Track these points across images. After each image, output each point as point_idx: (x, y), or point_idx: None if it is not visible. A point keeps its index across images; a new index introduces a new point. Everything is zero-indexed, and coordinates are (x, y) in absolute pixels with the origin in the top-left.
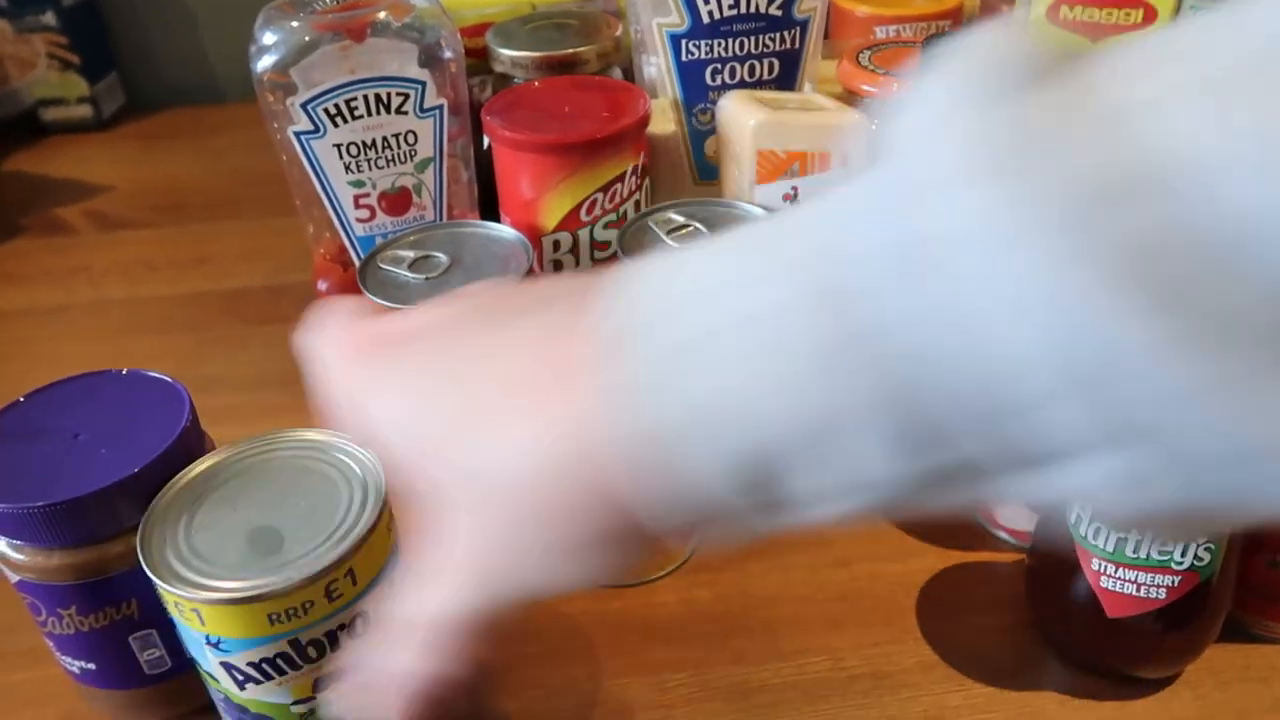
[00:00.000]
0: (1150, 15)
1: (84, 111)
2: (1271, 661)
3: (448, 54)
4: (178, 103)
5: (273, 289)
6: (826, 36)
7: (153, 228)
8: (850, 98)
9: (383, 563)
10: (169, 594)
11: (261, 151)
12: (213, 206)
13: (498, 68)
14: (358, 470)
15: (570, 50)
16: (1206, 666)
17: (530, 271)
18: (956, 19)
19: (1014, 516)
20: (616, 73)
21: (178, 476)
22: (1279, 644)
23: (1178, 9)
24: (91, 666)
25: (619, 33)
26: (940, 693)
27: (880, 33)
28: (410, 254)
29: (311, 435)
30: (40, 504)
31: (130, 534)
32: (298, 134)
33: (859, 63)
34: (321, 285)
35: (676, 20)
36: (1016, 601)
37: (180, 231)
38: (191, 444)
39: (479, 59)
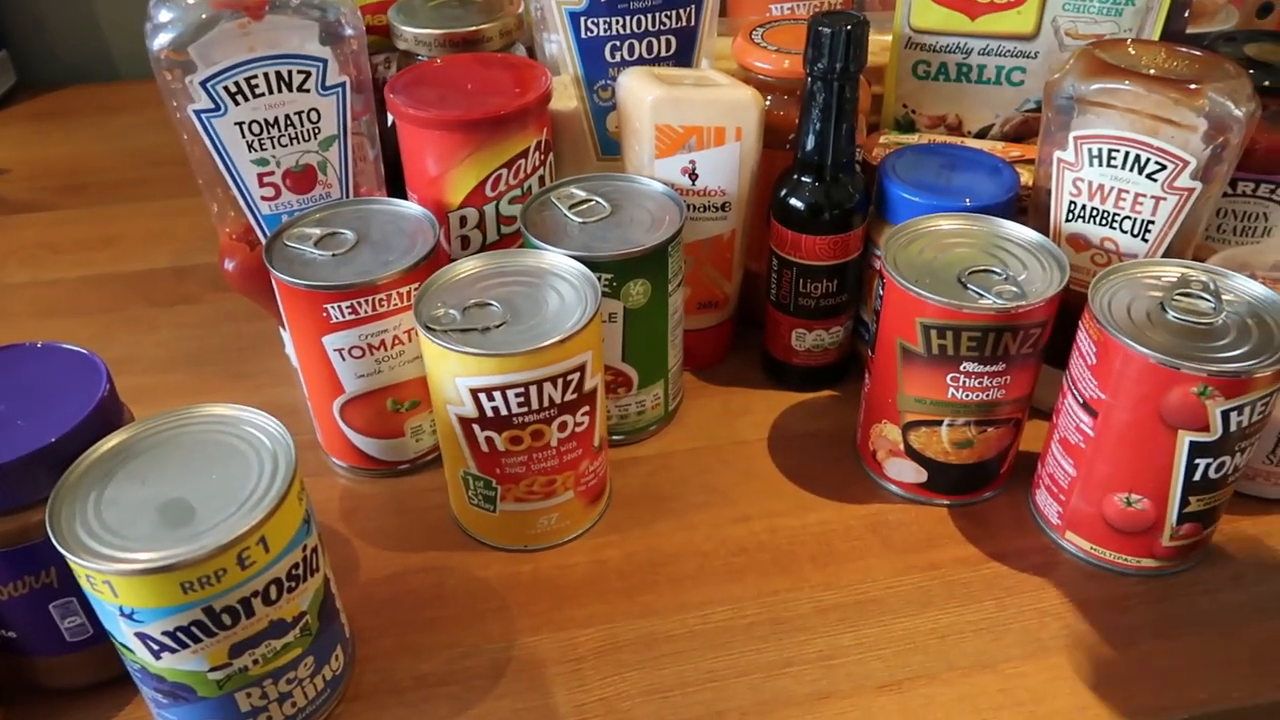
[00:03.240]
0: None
1: None
2: (1130, 589)
3: (349, 31)
4: (73, 80)
5: (179, 270)
6: (724, 13)
7: (53, 210)
8: (744, 73)
9: (295, 530)
10: (80, 567)
11: (162, 130)
12: (115, 187)
13: (401, 45)
14: (267, 443)
15: (473, 27)
16: (1071, 599)
17: (436, 247)
18: None
19: (901, 470)
20: (520, 49)
21: (87, 452)
22: (1134, 576)
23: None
24: (12, 635)
25: (521, 9)
26: (834, 634)
27: (776, 10)
28: (317, 231)
29: (221, 410)
30: None
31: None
32: (198, 113)
33: (752, 40)
34: (228, 264)
35: None
36: (905, 548)
37: (82, 213)
38: (110, 414)
39: (382, 36)
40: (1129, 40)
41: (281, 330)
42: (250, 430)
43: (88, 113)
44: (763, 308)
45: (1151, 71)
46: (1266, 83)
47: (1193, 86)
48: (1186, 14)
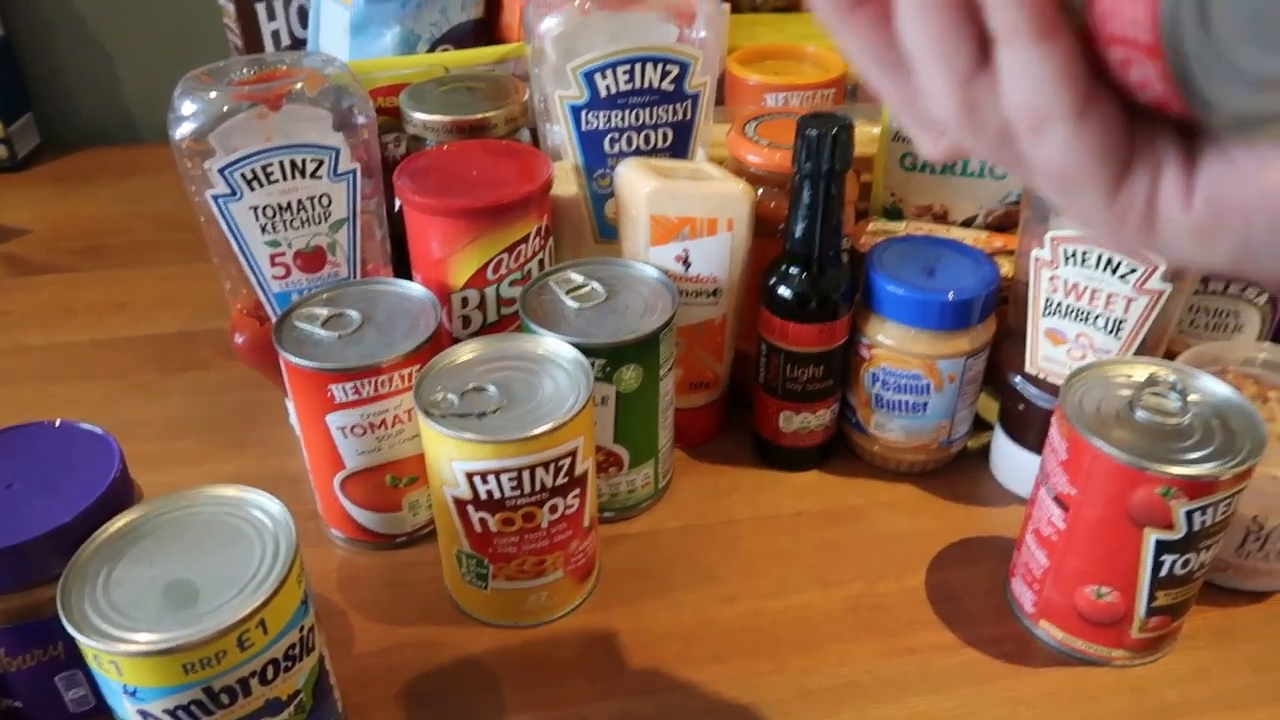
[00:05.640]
0: None
1: None
2: (1100, 681)
3: (360, 119)
4: (95, 142)
5: (191, 335)
6: (720, 102)
7: (71, 272)
8: (737, 165)
9: (293, 612)
10: (88, 647)
11: (178, 195)
12: (131, 250)
13: (410, 129)
14: (270, 525)
15: (480, 115)
16: (1043, 689)
17: (438, 330)
18: (840, 88)
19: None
20: (524, 134)
21: (98, 532)
22: (1107, 666)
23: None
24: (17, 705)
25: (526, 97)
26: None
27: (770, 100)
28: (324, 311)
29: (227, 491)
30: None
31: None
32: (215, 197)
33: (745, 133)
34: (238, 339)
35: (576, 94)
36: (886, 631)
37: (99, 276)
38: (122, 494)
39: (393, 117)
40: None
41: (286, 400)
42: (255, 512)
43: (108, 175)
44: (752, 387)
45: None
46: None
47: None
48: None
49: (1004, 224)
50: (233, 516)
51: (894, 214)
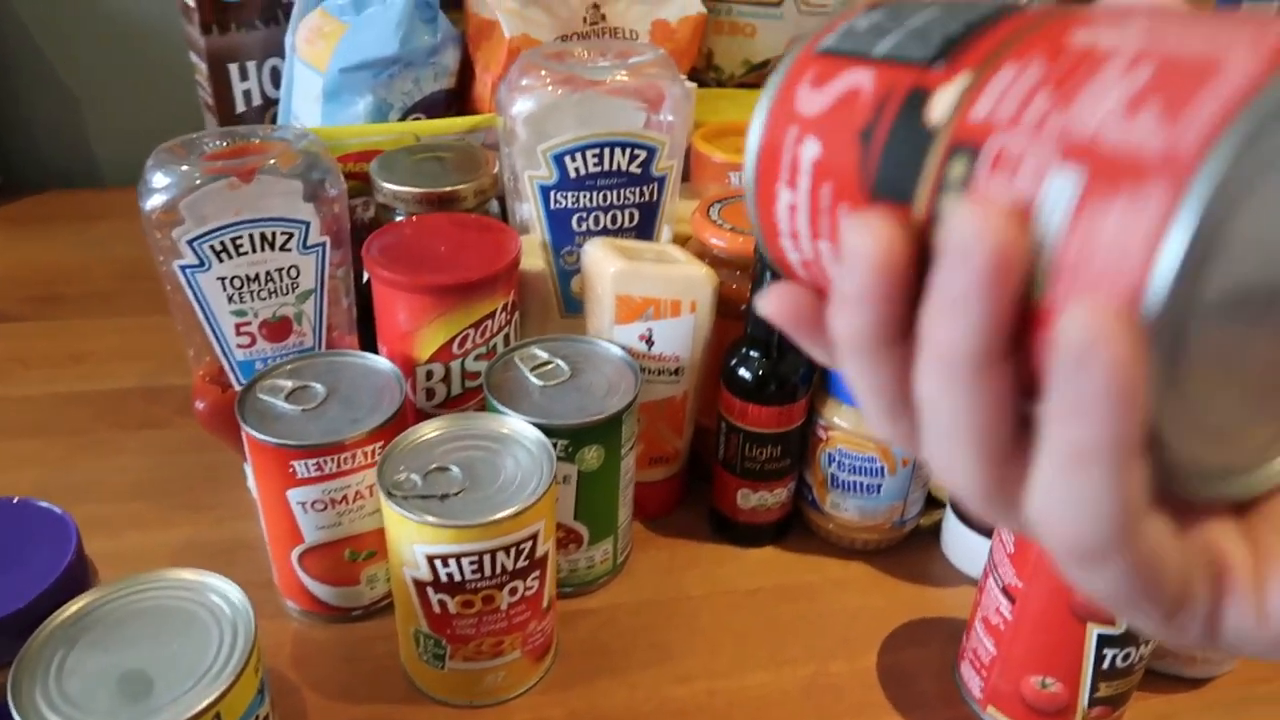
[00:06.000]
0: None
1: None
2: None
3: (331, 191)
4: (56, 185)
5: (149, 391)
6: (686, 179)
7: (27, 320)
8: (701, 247)
9: (249, 703)
10: None
11: (141, 241)
12: (90, 299)
13: (379, 198)
14: (228, 612)
15: (449, 187)
16: None
17: (402, 407)
18: None
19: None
20: (494, 204)
21: (51, 618)
22: None
23: None
24: None
25: (496, 169)
26: None
27: (734, 178)
28: (288, 384)
29: (185, 575)
30: None
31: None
32: (183, 267)
33: (709, 217)
34: (199, 405)
35: (546, 174)
36: (838, 713)
37: (55, 325)
38: (78, 577)
39: (363, 181)
40: None
41: (245, 464)
42: (213, 598)
43: (69, 219)
44: (711, 461)
45: None
46: None
47: None
48: None
49: None
50: (190, 602)
51: None
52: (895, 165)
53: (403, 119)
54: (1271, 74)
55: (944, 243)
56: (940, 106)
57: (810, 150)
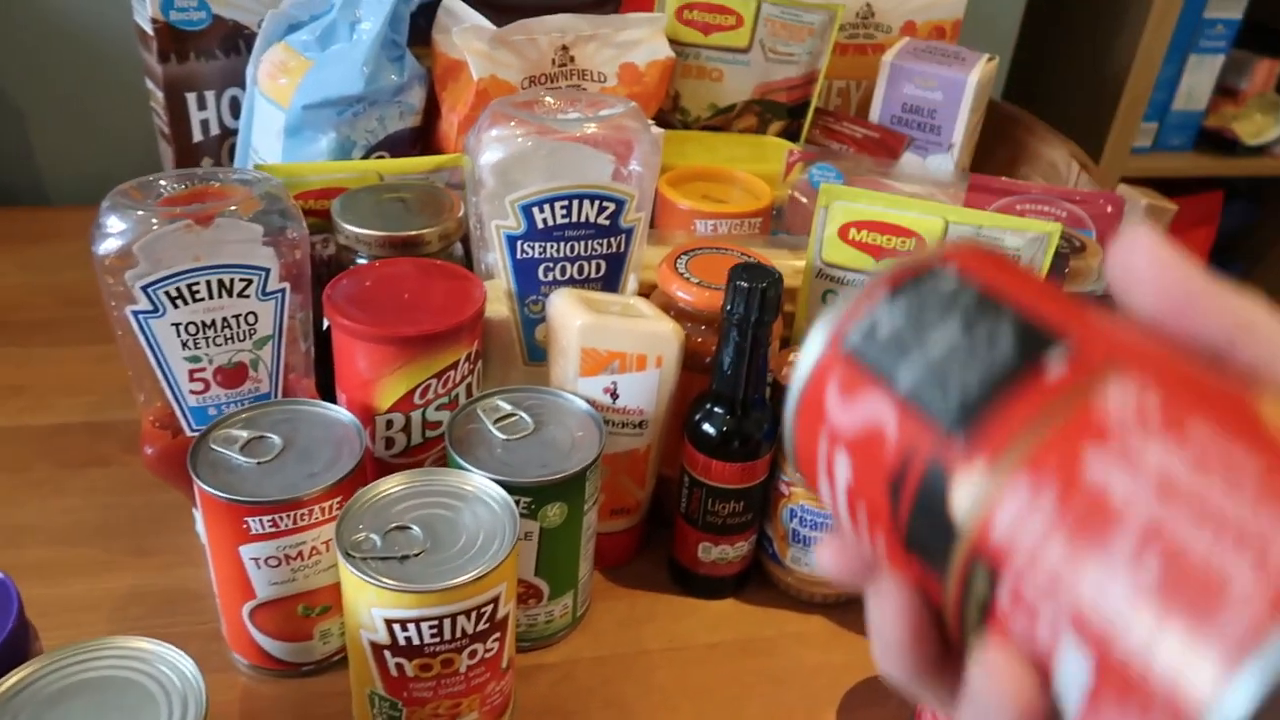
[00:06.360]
0: (920, 242)
1: None
2: None
3: (293, 235)
4: (0, 203)
5: (94, 426)
6: (652, 225)
7: None
8: (666, 299)
9: None
10: None
11: (87, 266)
12: (32, 327)
13: (341, 239)
14: (178, 684)
15: (413, 231)
16: None
17: (362, 461)
18: (767, 217)
19: None
20: (458, 248)
21: None
22: None
23: (945, 233)
24: None
25: (461, 213)
26: None
27: (700, 226)
28: (244, 434)
29: (134, 644)
30: None
31: None
32: (135, 313)
33: (676, 269)
34: (148, 450)
35: (514, 224)
36: None
37: None
38: (20, 645)
39: (324, 218)
40: None
41: (194, 508)
42: (163, 669)
43: (12, 240)
44: (673, 510)
45: None
46: None
47: None
48: (1066, 271)
49: None
50: (138, 672)
51: None
52: (924, 538)
53: (366, 156)
54: (1271, 627)
55: (970, 686)
56: (961, 503)
57: (843, 469)
